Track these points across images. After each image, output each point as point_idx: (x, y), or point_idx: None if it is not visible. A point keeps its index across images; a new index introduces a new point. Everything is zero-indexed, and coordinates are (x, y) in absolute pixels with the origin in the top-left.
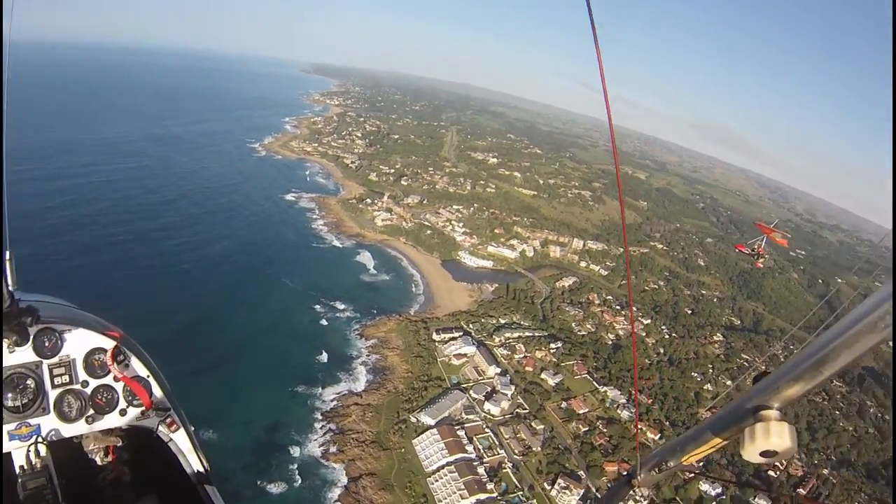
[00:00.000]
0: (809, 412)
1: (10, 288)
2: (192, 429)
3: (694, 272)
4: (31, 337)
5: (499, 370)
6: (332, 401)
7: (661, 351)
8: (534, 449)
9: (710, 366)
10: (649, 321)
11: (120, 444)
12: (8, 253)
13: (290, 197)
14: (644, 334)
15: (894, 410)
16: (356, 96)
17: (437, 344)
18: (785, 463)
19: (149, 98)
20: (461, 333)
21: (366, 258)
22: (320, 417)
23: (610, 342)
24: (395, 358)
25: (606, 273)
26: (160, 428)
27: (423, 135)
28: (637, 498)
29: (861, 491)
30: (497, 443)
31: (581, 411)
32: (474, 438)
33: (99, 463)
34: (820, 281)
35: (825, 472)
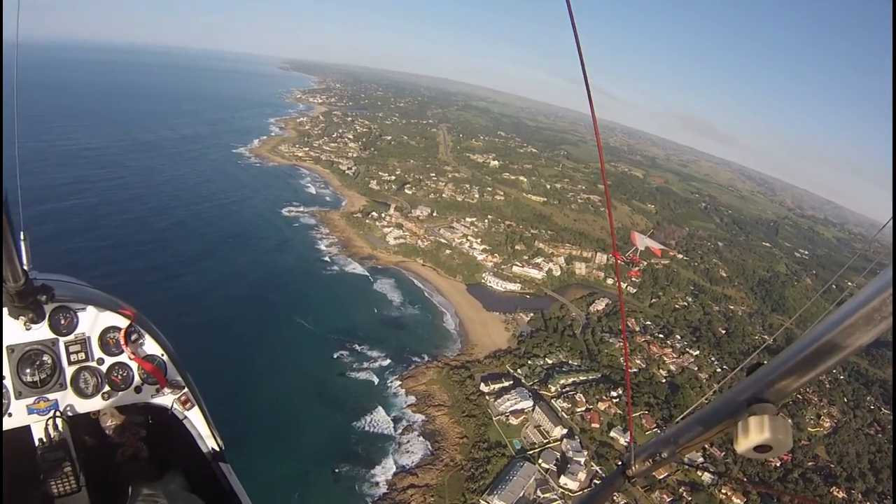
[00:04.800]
0: (868, 449)
1: (26, 267)
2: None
3: (718, 284)
4: (47, 315)
5: (564, 430)
6: (383, 483)
7: (716, 386)
8: None
9: None
10: (698, 352)
11: (137, 420)
12: (23, 234)
13: (291, 212)
14: (696, 368)
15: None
16: (339, 93)
17: (487, 398)
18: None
19: (124, 99)
20: (511, 382)
21: (385, 286)
22: None
23: (664, 380)
24: (443, 418)
25: (635, 290)
26: (175, 406)
27: (415, 134)
28: None
29: None
30: None
31: (660, 477)
32: None
33: (116, 439)
34: (834, 287)
35: None
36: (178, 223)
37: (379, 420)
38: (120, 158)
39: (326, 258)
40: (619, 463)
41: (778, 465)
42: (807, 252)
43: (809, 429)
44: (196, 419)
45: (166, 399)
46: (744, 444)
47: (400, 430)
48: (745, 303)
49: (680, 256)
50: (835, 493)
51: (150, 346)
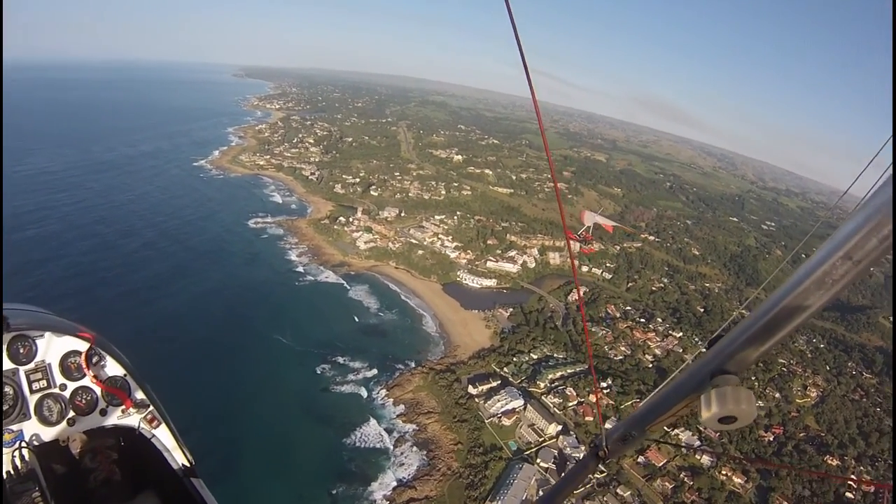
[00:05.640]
0: (854, 414)
1: None
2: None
3: (691, 263)
4: (5, 345)
5: (559, 427)
6: (382, 500)
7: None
8: None
9: (754, 377)
10: (681, 334)
11: (107, 443)
12: None
13: (258, 223)
14: (681, 350)
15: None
16: (295, 98)
17: (477, 400)
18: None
19: (79, 117)
20: (499, 381)
21: (361, 293)
22: None
23: (651, 365)
24: (435, 426)
25: (610, 276)
26: (142, 425)
27: (376, 134)
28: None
29: None
30: None
31: (660, 464)
32: None
33: (89, 465)
34: (803, 256)
35: None
36: (147, 244)
37: (370, 434)
38: (81, 180)
39: (298, 268)
40: (592, 445)
41: (771, 438)
42: (773, 224)
43: (797, 400)
44: (164, 436)
45: (133, 419)
46: (708, 417)
47: (392, 443)
48: (720, 279)
49: (651, 238)
50: (829, 461)
51: (112, 368)
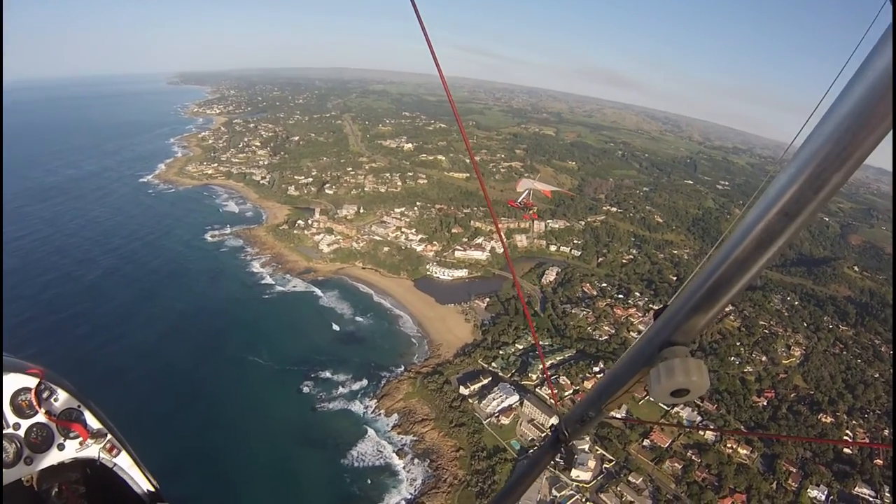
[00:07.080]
0: (838, 369)
1: None
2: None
3: (657, 231)
4: None
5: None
6: None
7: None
8: None
9: (739, 343)
10: (660, 306)
11: (73, 478)
12: None
13: (215, 237)
14: None
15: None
16: (235, 100)
17: (470, 401)
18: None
19: (13, 142)
20: (490, 378)
21: (332, 299)
22: None
23: None
24: (432, 434)
25: (579, 253)
26: (102, 455)
27: (322, 130)
28: None
29: None
30: None
31: (665, 445)
32: None
33: (56, 502)
34: None
35: (886, 432)
36: (108, 272)
37: (366, 452)
38: (27, 209)
39: (265, 280)
40: (552, 430)
41: (765, 403)
42: (727, 183)
43: (783, 361)
44: (125, 464)
45: (92, 450)
46: (658, 391)
47: (391, 458)
48: (686, 245)
49: (613, 209)
50: (823, 419)
51: (64, 400)
